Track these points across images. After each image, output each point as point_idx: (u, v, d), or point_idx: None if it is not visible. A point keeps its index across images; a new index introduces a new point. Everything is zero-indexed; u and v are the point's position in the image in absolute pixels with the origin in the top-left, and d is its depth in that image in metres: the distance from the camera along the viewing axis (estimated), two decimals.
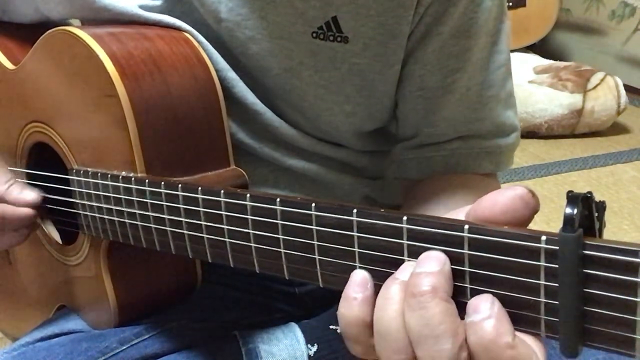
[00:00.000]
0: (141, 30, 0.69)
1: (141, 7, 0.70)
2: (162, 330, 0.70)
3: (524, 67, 2.58)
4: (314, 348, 0.73)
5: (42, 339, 0.71)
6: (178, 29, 0.70)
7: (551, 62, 2.63)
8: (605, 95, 2.37)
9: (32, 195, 0.70)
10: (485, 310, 0.36)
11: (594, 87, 2.38)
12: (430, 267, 0.38)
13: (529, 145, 2.37)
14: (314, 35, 0.68)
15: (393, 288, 0.39)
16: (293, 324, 0.76)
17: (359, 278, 0.42)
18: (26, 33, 0.79)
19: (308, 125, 0.74)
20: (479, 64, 0.72)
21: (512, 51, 2.62)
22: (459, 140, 0.74)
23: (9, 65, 0.77)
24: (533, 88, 2.40)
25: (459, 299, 0.39)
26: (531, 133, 2.40)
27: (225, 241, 0.52)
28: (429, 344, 0.37)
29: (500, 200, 0.38)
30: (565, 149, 2.34)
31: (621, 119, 2.49)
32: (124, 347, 0.68)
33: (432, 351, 0.37)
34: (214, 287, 0.78)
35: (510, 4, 2.76)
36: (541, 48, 2.96)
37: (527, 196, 0.37)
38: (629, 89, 2.56)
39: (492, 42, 0.72)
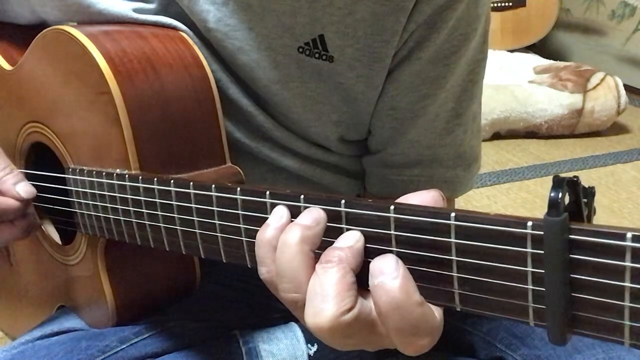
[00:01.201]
0: (136, 29, 0.69)
1: (135, 10, 0.70)
2: (162, 330, 0.70)
3: (524, 67, 2.57)
4: (314, 348, 0.73)
5: (41, 337, 0.71)
6: (174, 29, 0.70)
7: (551, 62, 2.63)
8: (605, 95, 2.37)
9: (25, 189, 0.68)
10: (392, 271, 0.39)
11: (594, 87, 2.38)
12: (344, 243, 0.42)
13: (529, 145, 2.36)
14: (300, 50, 0.68)
15: (292, 234, 0.43)
16: (293, 323, 0.76)
17: (278, 210, 0.46)
18: (24, 34, 0.79)
19: (299, 131, 0.75)
20: (452, 92, 0.73)
21: (512, 51, 2.63)
22: (420, 167, 0.75)
23: (6, 66, 0.77)
24: (533, 88, 2.39)
25: (446, 288, 0.39)
26: (531, 133, 2.40)
27: (217, 236, 0.52)
28: (316, 300, 0.41)
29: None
30: (565, 149, 2.34)
31: (621, 119, 2.49)
32: (124, 346, 0.68)
33: (317, 308, 0.41)
34: (214, 287, 0.78)
35: (510, 4, 2.76)
36: (541, 48, 2.96)
37: (437, 197, 0.42)
38: (629, 89, 2.56)
39: (468, 72, 0.73)
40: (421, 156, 0.75)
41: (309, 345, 0.73)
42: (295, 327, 0.75)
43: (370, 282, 0.40)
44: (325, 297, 0.40)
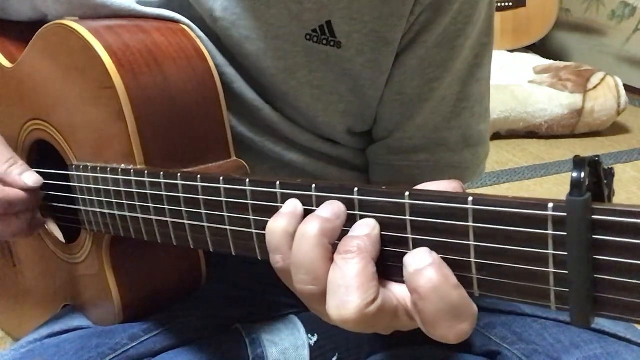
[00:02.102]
0: (138, 22, 0.68)
1: (139, 2, 0.70)
2: (171, 327, 0.70)
3: (524, 67, 2.58)
4: (315, 338, 0.74)
5: (50, 336, 0.71)
6: (177, 22, 0.69)
7: (551, 62, 2.63)
8: (605, 95, 2.37)
9: (32, 178, 0.67)
10: (427, 258, 0.39)
11: (594, 87, 2.38)
12: (361, 231, 0.41)
13: (529, 145, 2.36)
14: (308, 37, 0.68)
15: (311, 225, 0.42)
16: (292, 316, 0.76)
17: (292, 201, 0.45)
18: (24, 31, 0.78)
19: (305, 123, 0.74)
20: (458, 75, 0.72)
21: (512, 51, 2.62)
22: (426, 152, 0.75)
23: (6, 63, 0.77)
24: (533, 88, 2.39)
25: (464, 274, 0.38)
26: (531, 133, 2.40)
27: (226, 229, 0.51)
28: (340, 292, 0.40)
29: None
30: (565, 149, 2.33)
31: (621, 119, 2.49)
32: (134, 344, 0.67)
33: (341, 300, 0.40)
34: (219, 286, 0.78)
35: (510, 4, 2.76)
36: (541, 48, 2.96)
37: (457, 187, 0.41)
38: (629, 89, 2.56)
39: (474, 55, 0.73)
40: (427, 139, 0.75)
41: (310, 335, 0.74)
42: (295, 319, 0.76)
43: (405, 274, 0.40)
44: (348, 289, 0.40)
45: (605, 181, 0.34)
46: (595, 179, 0.33)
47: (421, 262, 0.39)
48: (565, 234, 0.32)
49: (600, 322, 0.65)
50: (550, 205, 0.33)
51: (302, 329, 0.74)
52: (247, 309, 0.78)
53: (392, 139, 0.75)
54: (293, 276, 0.44)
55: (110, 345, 0.66)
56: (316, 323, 0.75)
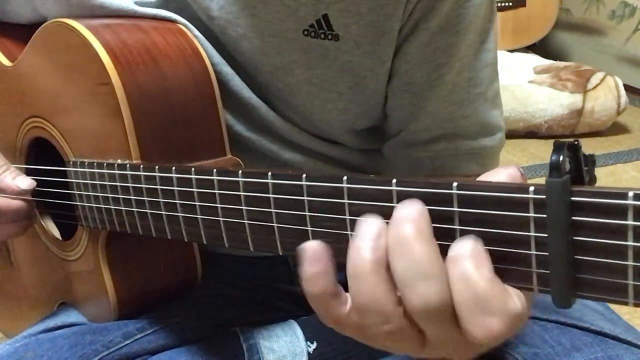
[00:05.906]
0: (135, 22, 0.69)
1: (136, 3, 0.70)
2: (165, 326, 0.70)
3: (524, 67, 2.58)
4: (314, 345, 0.73)
5: (44, 331, 0.71)
6: (174, 22, 0.70)
7: (551, 62, 2.63)
8: (605, 95, 2.37)
9: (25, 182, 0.69)
10: (465, 244, 0.37)
11: (594, 87, 2.38)
12: (410, 212, 0.38)
13: (529, 145, 2.37)
14: (305, 33, 0.68)
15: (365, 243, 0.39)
16: (292, 321, 0.76)
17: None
18: (24, 31, 0.79)
19: (302, 121, 0.74)
20: (466, 61, 0.72)
21: (512, 51, 2.61)
22: (444, 141, 0.74)
23: (6, 62, 0.78)
24: (533, 88, 2.40)
25: None
26: (531, 133, 2.40)
27: (219, 220, 0.51)
28: (419, 286, 0.37)
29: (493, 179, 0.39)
30: None
31: (621, 119, 2.49)
32: (128, 342, 0.68)
33: (423, 293, 0.37)
34: (216, 285, 0.78)
35: (510, 4, 2.76)
36: (541, 48, 2.97)
37: (515, 174, 0.39)
38: (629, 89, 2.56)
39: (480, 41, 0.73)
40: (444, 129, 0.74)
41: (309, 342, 0.73)
42: (294, 325, 0.75)
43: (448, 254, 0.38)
44: (428, 278, 0.37)
45: (586, 168, 0.34)
46: (575, 163, 0.34)
47: (458, 251, 0.37)
48: (546, 215, 0.33)
49: (601, 324, 0.65)
50: (531, 188, 0.34)
51: (301, 336, 0.73)
52: (242, 310, 0.78)
53: (407, 132, 0.74)
54: (363, 321, 0.40)
55: (104, 342, 0.67)
56: (316, 330, 0.74)
